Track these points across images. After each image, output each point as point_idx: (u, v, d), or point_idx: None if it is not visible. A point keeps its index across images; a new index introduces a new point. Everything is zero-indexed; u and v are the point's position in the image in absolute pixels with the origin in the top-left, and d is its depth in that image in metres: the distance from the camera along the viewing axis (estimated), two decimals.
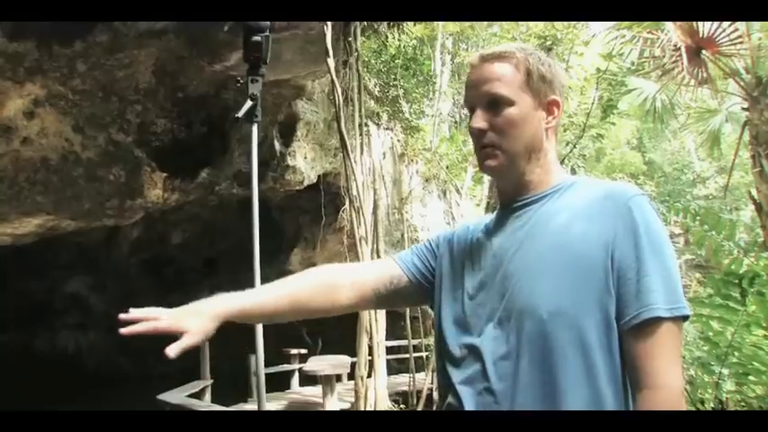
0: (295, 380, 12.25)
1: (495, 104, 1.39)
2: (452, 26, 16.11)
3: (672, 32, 7.87)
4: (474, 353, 1.35)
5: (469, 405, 1.33)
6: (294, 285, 1.56)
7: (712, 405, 3.86)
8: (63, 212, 7.24)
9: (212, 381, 9.91)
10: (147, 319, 1.36)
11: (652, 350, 1.22)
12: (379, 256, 9.26)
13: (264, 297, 1.54)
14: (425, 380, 11.32)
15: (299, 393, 11.66)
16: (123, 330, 1.33)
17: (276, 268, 12.60)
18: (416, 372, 12.03)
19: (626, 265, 1.26)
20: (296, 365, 12.07)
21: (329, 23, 6.72)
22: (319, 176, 10.60)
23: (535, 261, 1.32)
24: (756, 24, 7.57)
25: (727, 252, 4.42)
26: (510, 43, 1.61)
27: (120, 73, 6.56)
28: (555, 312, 1.26)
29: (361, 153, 8.61)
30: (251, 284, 3.04)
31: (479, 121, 1.40)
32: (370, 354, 8.53)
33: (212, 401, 9.20)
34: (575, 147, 13.94)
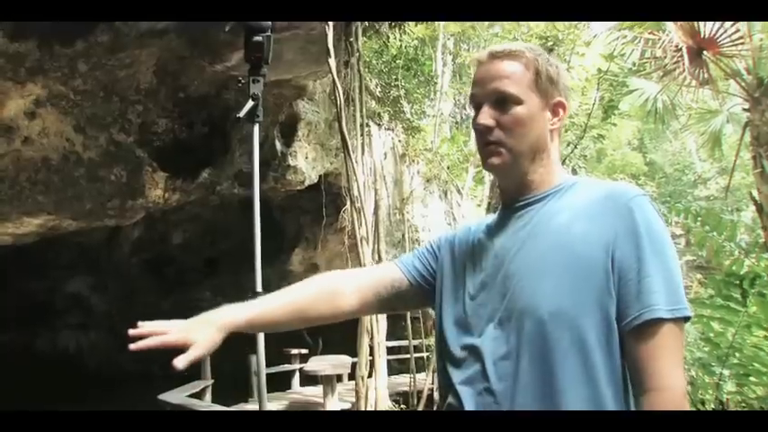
0: (296, 380, 12.25)
1: (503, 102, 1.39)
2: (454, 26, 16.12)
3: (673, 33, 7.87)
4: (474, 353, 1.35)
5: (469, 405, 1.33)
6: (297, 294, 1.57)
7: (713, 406, 3.85)
8: (64, 212, 7.24)
9: (213, 381, 9.92)
10: (155, 333, 1.35)
11: (654, 351, 1.21)
12: (380, 257, 9.27)
13: (269, 307, 1.55)
14: (426, 380, 11.32)
15: (300, 393, 11.66)
16: (133, 346, 1.34)
17: (277, 268, 12.62)
18: (417, 372, 12.02)
19: (627, 265, 1.25)
20: (297, 365, 12.07)
21: (331, 24, 6.72)
22: (320, 176, 10.61)
23: (536, 261, 1.32)
24: (758, 25, 7.56)
25: (728, 253, 4.42)
26: (519, 42, 1.61)
27: (122, 73, 6.56)
28: (555, 313, 1.26)
29: (363, 153, 8.61)
30: (252, 284, 3.04)
31: (486, 117, 1.39)
32: (371, 354, 8.52)
33: (213, 401, 9.20)
34: (576, 147, 13.94)
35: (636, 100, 10.53)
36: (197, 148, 7.90)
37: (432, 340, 11.82)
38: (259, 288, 3.03)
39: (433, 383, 10.84)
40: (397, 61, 13.90)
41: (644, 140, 30.28)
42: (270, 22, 3.11)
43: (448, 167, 16.77)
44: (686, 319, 1.25)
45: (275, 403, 9.92)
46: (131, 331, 1.35)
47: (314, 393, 10.95)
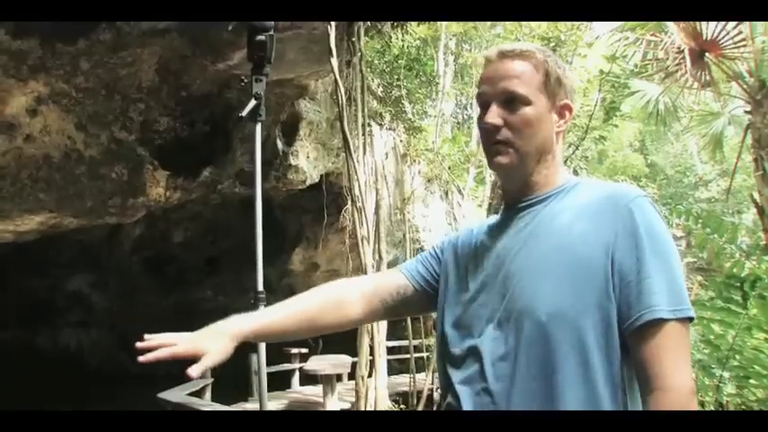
0: (296, 379, 12.24)
1: (512, 102, 1.39)
2: (456, 27, 16.14)
3: (675, 35, 7.87)
4: (474, 353, 1.36)
5: (467, 405, 1.33)
6: (304, 303, 1.58)
7: (712, 408, 3.85)
8: (65, 210, 7.24)
9: (213, 380, 9.91)
10: (164, 345, 1.35)
11: (657, 352, 1.21)
12: (380, 256, 9.27)
13: (276, 317, 1.55)
14: (426, 380, 11.32)
15: (300, 393, 11.66)
16: (142, 358, 1.32)
17: (278, 268, 12.63)
18: (417, 372, 12.02)
19: (626, 267, 1.25)
20: (296, 365, 12.06)
21: (333, 23, 6.72)
22: (322, 176, 10.61)
23: (537, 262, 1.32)
24: (760, 27, 7.56)
25: (728, 255, 4.41)
26: (529, 43, 1.60)
27: (123, 71, 6.56)
28: (554, 314, 1.26)
29: (364, 153, 8.61)
30: (253, 284, 3.04)
31: (495, 116, 1.39)
32: (371, 354, 8.52)
33: (213, 400, 9.20)
34: (577, 148, 13.93)
35: (637, 102, 10.52)
36: (198, 146, 7.91)
37: (432, 340, 11.83)
38: (260, 287, 3.03)
39: (432, 383, 10.84)
40: (399, 61, 13.90)
41: (645, 142, 30.29)
42: (272, 22, 3.11)
43: (449, 168, 16.79)
44: (690, 319, 1.24)
45: (275, 402, 9.92)
46: (139, 344, 1.34)
47: (314, 393, 10.94)
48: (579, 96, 13.67)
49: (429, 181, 15.72)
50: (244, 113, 3.02)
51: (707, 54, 7.89)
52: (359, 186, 7.90)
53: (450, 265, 1.55)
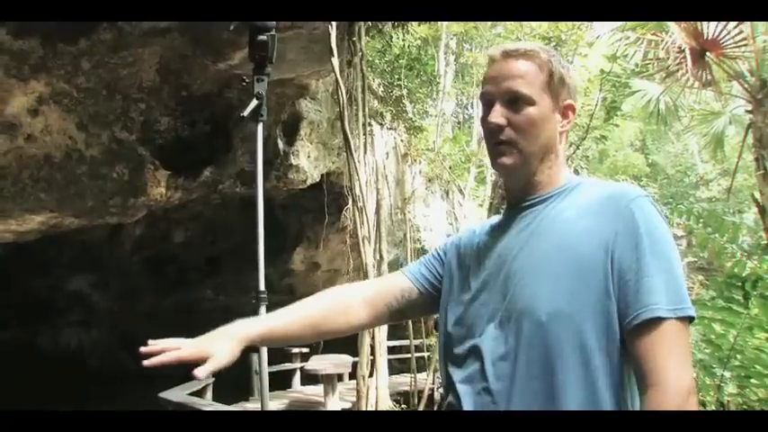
0: (296, 379, 12.25)
1: (516, 102, 1.39)
2: (456, 27, 16.15)
3: (676, 34, 7.87)
4: (474, 352, 1.36)
5: (468, 404, 1.33)
6: (309, 308, 1.58)
7: (714, 408, 3.85)
8: (66, 210, 7.24)
9: (214, 379, 9.92)
10: (168, 349, 1.35)
11: (653, 349, 1.20)
12: (381, 256, 9.27)
13: (282, 321, 1.56)
14: (427, 380, 11.31)
15: (301, 392, 11.67)
16: (147, 362, 1.32)
17: (279, 267, 12.62)
18: (418, 372, 12.01)
19: (625, 266, 1.25)
20: (297, 364, 12.07)
21: (334, 23, 6.72)
22: (322, 176, 10.61)
23: (538, 261, 1.32)
24: (761, 27, 7.56)
25: (730, 255, 4.41)
26: (533, 42, 1.61)
27: (124, 71, 6.57)
28: (554, 314, 1.26)
29: (365, 153, 8.61)
30: (254, 283, 3.04)
31: (498, 116, 1.39)
32: (372, 353, 8.52)
33: (214, 400, 9.20)
34: (578, 148, 13.93)
35: (638, 101, 10.53)
36: (199, 146, 7.91)
37: (433, 340, 11.84)
38: (262, 287, 3.03)
39: (433, 383, 10.84)
40: (400, 61, 13.90)
41: (646, 142, 30.28)
42: (274, 22, 3.11)
43: (450, 167, 16.80)
44: (690, 319, 1.23)
45: (276, 402, 9.93)
46: (143, 349, 1.34)
47: (315, 392, 10.95)
48: (580, 96, 13.68)
49: (430, 181, 15.73)
50: (245, 113, 3.02)
51: (708, 53, 7.89)
52: (360, 186, 7.90)
53: (453, 265, 1.56)
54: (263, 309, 3.00)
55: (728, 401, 3.88)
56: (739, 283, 3.65)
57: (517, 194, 1.46)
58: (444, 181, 16.60)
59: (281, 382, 11.47)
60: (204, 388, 9.47)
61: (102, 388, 12.27)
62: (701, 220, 4.53)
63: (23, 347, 13.50)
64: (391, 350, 12.12)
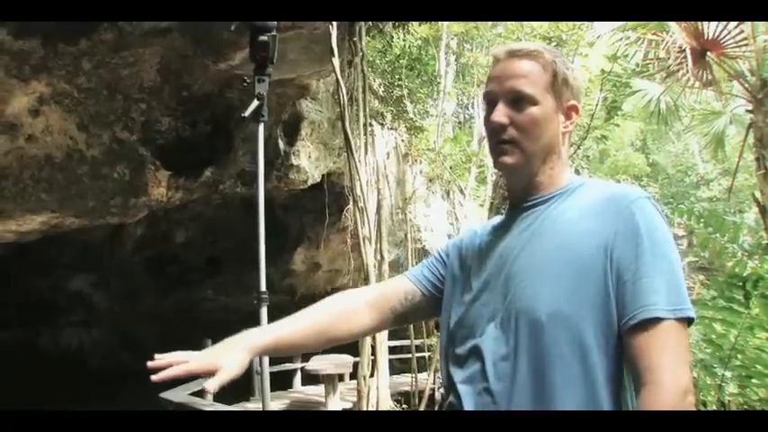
0: (297, 379, 12.25)
1: (519, 101, 1.39)
2: (457, 27, 16.14)
3: (677, 34, 7.86)
4: (475, 353, 1.36)
5: (469, 405, 1.33)
6: (316, 316, 1.58)
7: (714, 408, 3.85)
8: (67, 210, 7.25)
9: None
10: (176, 362, 1.34)
11: (649, 348, 1.19)
12: (382, 256, 9.27)
13: (290, 330, 1.55)
14: (428, 380, 11.31)
15: (302, 392, 11.67)
16: (156, 377, 1.31)
17: (279, 267, 12.62)
18: (419, 372, 12.01)
19: (625, 266, 1.25)
20: (298, 364, 12.07)
21: (334, 23, 6.72)
22: (323, 176, 10.61)
23: (538, 262, 1.32)
24: (762, 26, 7.55)
25: (730, 254, 4.41)
26: (537, 43, 1.61)
27: (125, 71, 6.57)
28: (553, 314, 1.25)
29: (366, 153, 8.61)
30: (254, 283, 3.05)
31: (501, 115, 1.39)
32: (373, 353, 8.52)
33: (215, 400, 9.21)
34: (578, 148, 13.92)
35: (639, 101, 10.51)
36: (200, 146, 7.91)
37: (434, 340, 11.84)
38: (263, 288, 3.03)
39: (434, 383, 10.84)
40: (401, 61, 13.89)
41: (647, 141, 30.25)
42: (275, 22, 3.11)
43: (450, 167, 16.78)
44: (689, 320, 1.23)
45: (277, 402, 9.93)
46: (150, 364, 1.33)
47: (315, 392, 10.95)
48: (581, 96, 13.67)
49: (430, 181, 15.72)
50: (246, 114, 3.03)
51: (708, 53, 7.88)
52: (360, 186, 7.89)
53: (455, 265, 1.56)
54: (264, 309, 3.01)
55: (729, 401, 3.88)
56: (740, 283, 3.65)
57: (519, 195, 1.46)
58: (445, 181, 16.59)
59: (281, 382, 11.47)
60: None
61: (103, 388, 12.27)
62: (702, 220, 4.53)
63: (24, 347, 13.51)
64: (392, 350, 12.12)
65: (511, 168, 1.42)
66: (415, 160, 14.87)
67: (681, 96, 9.52)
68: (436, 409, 9.93)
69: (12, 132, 6.37)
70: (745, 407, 3.88)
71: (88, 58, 6.17)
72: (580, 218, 1.33)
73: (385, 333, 9.30)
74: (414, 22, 11.62)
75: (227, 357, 1.37)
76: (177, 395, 8.05)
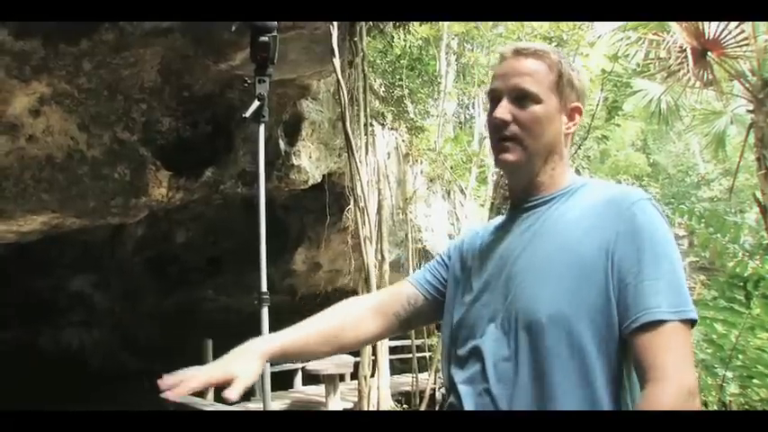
0: (298, 379, 12.25)
1: (523, 99, 1.39)
2: (458, 27, 16.13)
3: (677, 34, 7.85)
4: (476, 354, 1.36)
5: (469, 405, 1.33)
6: (324, 323, 1.59)
7: (716, 408, 3.85)
8: (68, 210, 7.25)
9: None
10: (186, 378, 1.35)
11: (653, 348, 1.18)
12: (383, 257, 9.27)
13: (299, 336, 1.56)
14: (428, 380, 11.31)
15: (302, 392, 11.67)
16: (171, 395, 1.32)
17: (280, 267, 12.62)
18: (419, 372, 12.01)
19: (626, 268, 1.24)
20: (299, 364, 12.06)
21: (335, 23, 6.72)
22: (324, 176, 10.60)
23: (539, 263, 1.32)
24: (762, 26, 7.54)
25: (731, 254, 4.41)
26: (544, 43, 1.61)
27: (126, 72, 6.57)
28: (554, 315, 1.25)
29: (366, 153, 8.61)
30: (255, 283, 3.04)
31: (504, 112, 1.39)
32: (374, 353, 8.52)
33: (215, 400, 9.21)
34: (579, 148, 13.91)
35: (640, 101, 10.51)
36: (201, 146, 7.91)
37: (434, 340, 11.84)
38: (264, 288, 3.03)
39: (435, 383, 10.84)
40: (401, 61, 13.89)
41: (647, 141, 30.24)
42: (276, 23, 3.11)
43: (451, 167, 16.78)
44: (692, 322, 1.22)
45: (277, 402, 9.93)
46: (161, 384, 1.33)
47: (316, 393, 10.95)
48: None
49: (431, 181, 15.71)
50: (247, 114, 3.02)
51: (709, 53, 7.87)
52: (361, 186, 7.90)
53: (457, 267, 1.56)
54: (264, 309, 3.00)
55: (730, 401, 3.88)
56: (741, 283, 3.65)
57: (520, 195, 1.46)
58: (446, 181, 16.59)
59: (282, 382, 11.47)
60: (206, 388, 9.46)
61: (104, 388, 12.29)
62: (703, 220, 4.53)
63: (25, 347, 13.51)
64: (393, 350, 12.12)
65: (512, 165, 1.42)
66: (416, 160, 14.86)
67: (681, 96, 9.52)
68: (437, 409, 9.93)
69: (12, 133, 6.36)
70: (747, 407, 3.88)
71: (89, 58, 6.16)
72: (581, 219, 1.33)
73: None
74: (414, 23, 11.61)
75: (240, 365, 1.38)
76: None
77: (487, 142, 16.95)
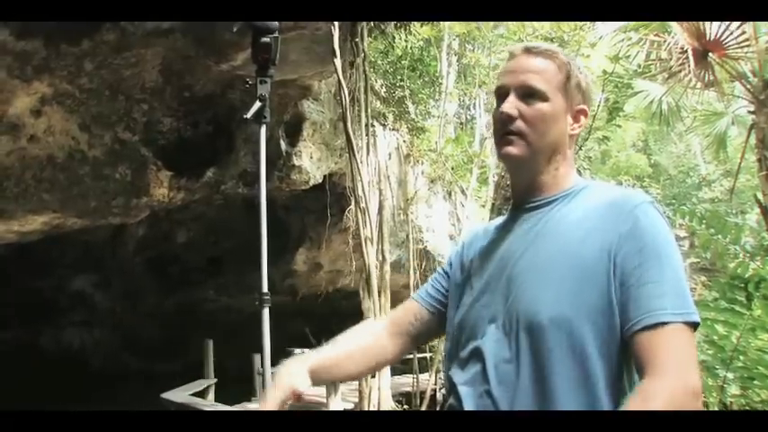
0: None
1: (530, 96, 1.39)
2: (459, 27, 16.10)
3: (678, 35, 7.85)
4: (476, 355, 1.35)
5: (469, 407, 1.33)
6: (349, 345, 1.64)
7: (716, 409, 3.84)
8: (69, 210, 7.25)
9: (216, 380, 9.93)
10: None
11: (654, 349, 1.17)
12: (383, 257, 9.27)
13: (330, 357, 1.61)
14: (429, 381, 11.31)
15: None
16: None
17: (281, 268, 12.63)
18: (420, 372, 12.02)
19: (628, 271, 1.24)
20: None
21: (336, 24, 6.72)
22: (325, 176, 10.61)
23: (540, 265, 1.32)
24: (764, 27, 7.54)
25: (732, 256, 4.41)
26: (554, 45, 1.62)
27: (127, 72, 6.57)
28: (555, 318, 1.25)
29: (367, 153, 8.61)
30: (255, 284, 3.04)
31: (511, 107, 1.39)
32: None
33: (216, 400, 9.21)
34: (580, 148, 13.92)
35: (641, 102, 10.51)
36: (202, 147, 7.91)
37: (435, 341, 11.82)
38: (265, 289, 3.02)
39: (435, 384, 10.84)
40: (403, 62, 13.89)
41: (648, 142, 30.22)
42: (278, 24, 3.11)
43: (452, 168, 16.77)
44: (694, 325, 1.21)
45: None
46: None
47: (317, 393, 10.94)
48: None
49: (432, 181, 15.71)
50: (248, 115, 3.02)
51: (710, 54, 7.86)
52: (362, 187, 7.90)
53: (457, 272, 1.56)
54: (265, 310, 3.00)
55: (731, 403, 3.87)
56: (742, 285, 3.64)
57: (522, 195, 1.46)
58: (446, 182, 16.59)
59: None
60: (207, 389, 9.48)
61: (104, 388, 12.30)
62: (704, 221, 4.52)
63: (26, 347, 13.54)
64: None
65: (515, 160, 1.41)
66: (417, 161, 14.86)
67: (683, 97, 9.51)
68: (437, 409, 9.93)
69: (14, 133, 6.37)
70: (747, 408, 3.87)
71: (90, 58, 6.16)
72: (583, 221, 1.32)
73: None
74: (415, 23, 11.61)
75: (293, 378, 1.50)
76: (178, 395, 8.06)
77: (488, 143, 16.96)
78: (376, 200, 9.49)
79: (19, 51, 5.72)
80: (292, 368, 1.52)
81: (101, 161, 7.06)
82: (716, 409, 3.82)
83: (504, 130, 1.41)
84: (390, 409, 9.70)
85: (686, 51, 7.77)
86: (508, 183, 1.64)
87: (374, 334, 1.65)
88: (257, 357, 9.50)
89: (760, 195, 7.14)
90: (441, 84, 17.20)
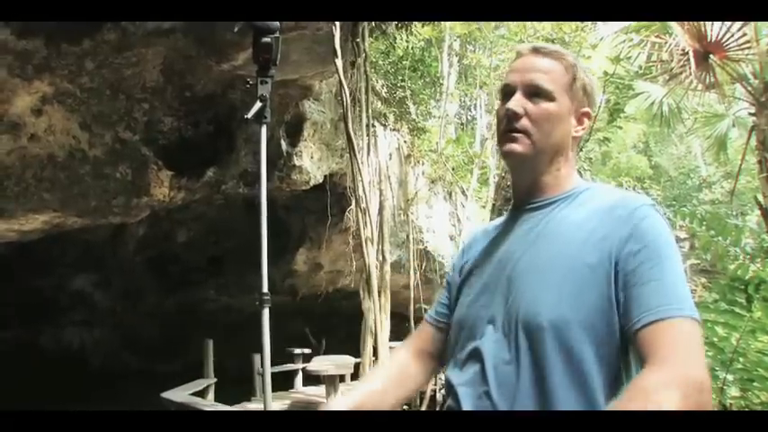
0: (298, 379, 12.25)
1: (537, 95, 1.40)
2: (460, 28, 16.11)
3: (680, 37, 7.86)
4: (475, 355, 1.35)
5: (468, 408, 1.33)
6: (384, 384, 1.65)
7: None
8: (69, 210, 7.25)
9: (216, 380, 9.92)
10: None
11: (654, 342, 1.16)
12: (384, 257, 9.28)
13: (368, 399, 1.64)
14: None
15: (303, 393, 11.66)
16: None
17: (281, 268, 12.62)
18: None
19: (629, 273, 1.24)
20: (299, 365, 12.07)
21: (338, 24, 6.72)
22: (325, 177, 10.61)
23: (541, 266, 1.32)
24: (765, 29, 7.55)
25: (732, 257, 4.41)
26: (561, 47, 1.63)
27: (128, 71, 6.57)
28: (555, 320, 1.25)
29: (368, 154, 8.63)
30: (256, 283, 3.04)
31: (517, 105, 1.40)
32: (374, 354, 8.52)
33: (216, 400, 9.21)
34: (581, 150, 13.92)
35: (642, 103, 10.53)
36: (202, 146, 7.91)
37: None
38: (265, 289, 3.02)
39: (435, 384, 10.83)
40: (404, 62, 13.90)
41: (649, 144, 30.22)
42: (278, 24, 3.11)
43: (453, 169, 16.78)
44: (694, 321, 1.19)
45: (278, 402, 9.92)
46: None
47: (317, 393, 10.95)
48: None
49: (433, 182, 15.71)
50: (249, 115, 3.02)
51: (711, 56, 7.87)
52: (363, 187, 7.91)
53: (458, 277, 1.57)
54: (265, 310, 3.00)
55: (731, 404, 3.87)
56: (742, 286, 3.64)
57: (523, 195, 1.46)
58: (447, 182, 16.59)
59: (283, 382, 11.47)
60: (207, 388, 9.48)
61: (104, 387, 12.29)
62: (704, 223, 4.53)
63: (26, 347, 13.53)
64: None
65: (518, 157, 1.41)
66: (418, 161, 14.87)
67: (683, 99, 9.52)
68: (437, 409, 9.93)
69: (14, 132, 6.37)
70: (747, 410, 3.87)
71: (91, 57, 6.17)
72: (584, 223, 1.33)
73: (386, 334, 9.31)
74: (417, 23, 11.62)
75: None
76: (178, 395, 8.05)
77: (489, 144, 16.97)
78: (376, 200, 9.51)
79: (20, 50, 5.72)
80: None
81: (101, 160, 7.06)
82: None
83: (508, 127, 1.41)
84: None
85: (687, 53, 7.79)
86: (509, 183, 1.64)
87: (401, 364, 1.65)
88: (257, 357, 9.51)
89: (760, 197, 7.15)
90: (442, 84, 17.22)
